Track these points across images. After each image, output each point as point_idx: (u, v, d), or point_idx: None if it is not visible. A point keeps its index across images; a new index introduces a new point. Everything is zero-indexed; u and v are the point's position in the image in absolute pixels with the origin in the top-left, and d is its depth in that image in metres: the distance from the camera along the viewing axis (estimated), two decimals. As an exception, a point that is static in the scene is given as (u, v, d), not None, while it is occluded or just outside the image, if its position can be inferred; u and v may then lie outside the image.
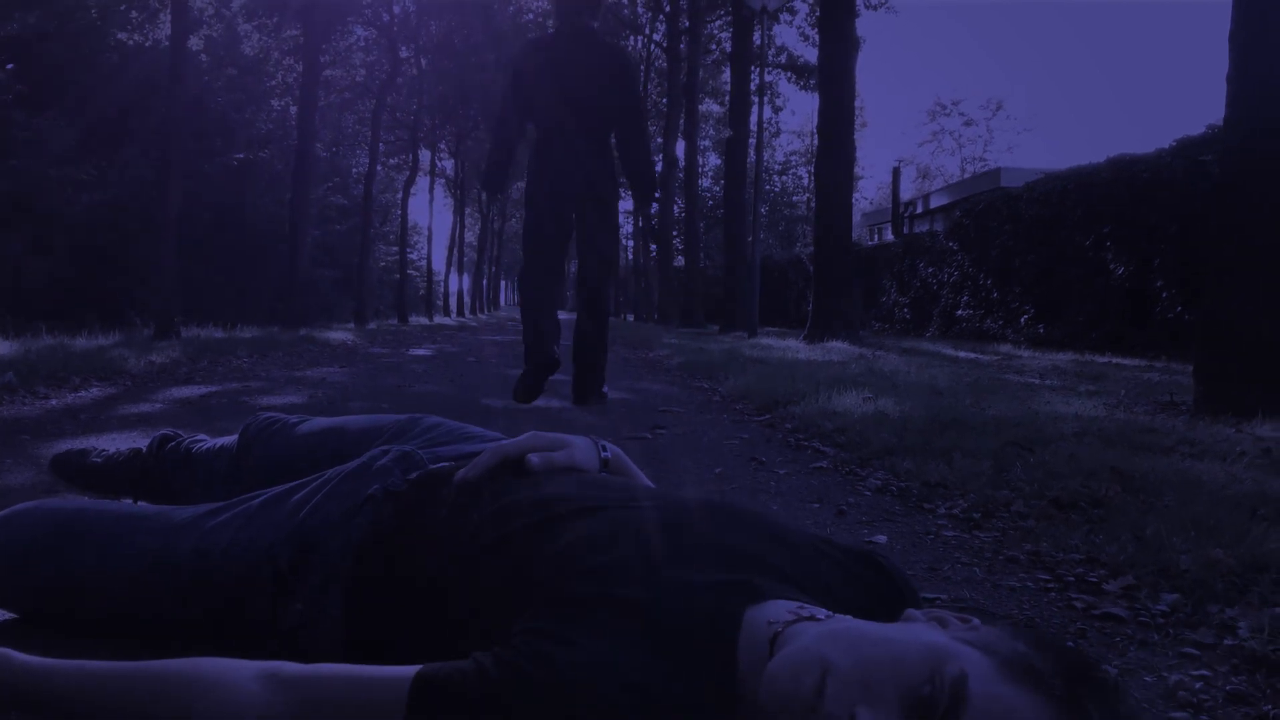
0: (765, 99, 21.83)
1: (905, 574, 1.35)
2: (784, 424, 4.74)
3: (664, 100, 29.25)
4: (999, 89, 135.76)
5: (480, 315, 41.08)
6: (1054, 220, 13.66)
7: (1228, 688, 1.54)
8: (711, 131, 38.50)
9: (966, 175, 31.01)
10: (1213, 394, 4.64)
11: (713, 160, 42.95)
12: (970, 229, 16.48)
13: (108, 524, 1.53)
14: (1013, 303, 14.80)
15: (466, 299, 42.10)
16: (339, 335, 13.18)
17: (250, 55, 22.69)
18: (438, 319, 28.95)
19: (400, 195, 29.60)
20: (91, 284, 15.83)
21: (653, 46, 30.68)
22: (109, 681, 1.16)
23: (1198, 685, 1.55)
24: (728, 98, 23.92)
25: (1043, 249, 13.91)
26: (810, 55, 27.30)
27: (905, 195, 29.44)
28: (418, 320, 24.90)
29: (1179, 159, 11.12)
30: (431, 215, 39.84)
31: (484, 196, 42.58)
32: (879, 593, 1.30)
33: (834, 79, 12.62)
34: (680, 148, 25.33)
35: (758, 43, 20.47)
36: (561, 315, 6.16)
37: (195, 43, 20.11)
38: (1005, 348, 12.51)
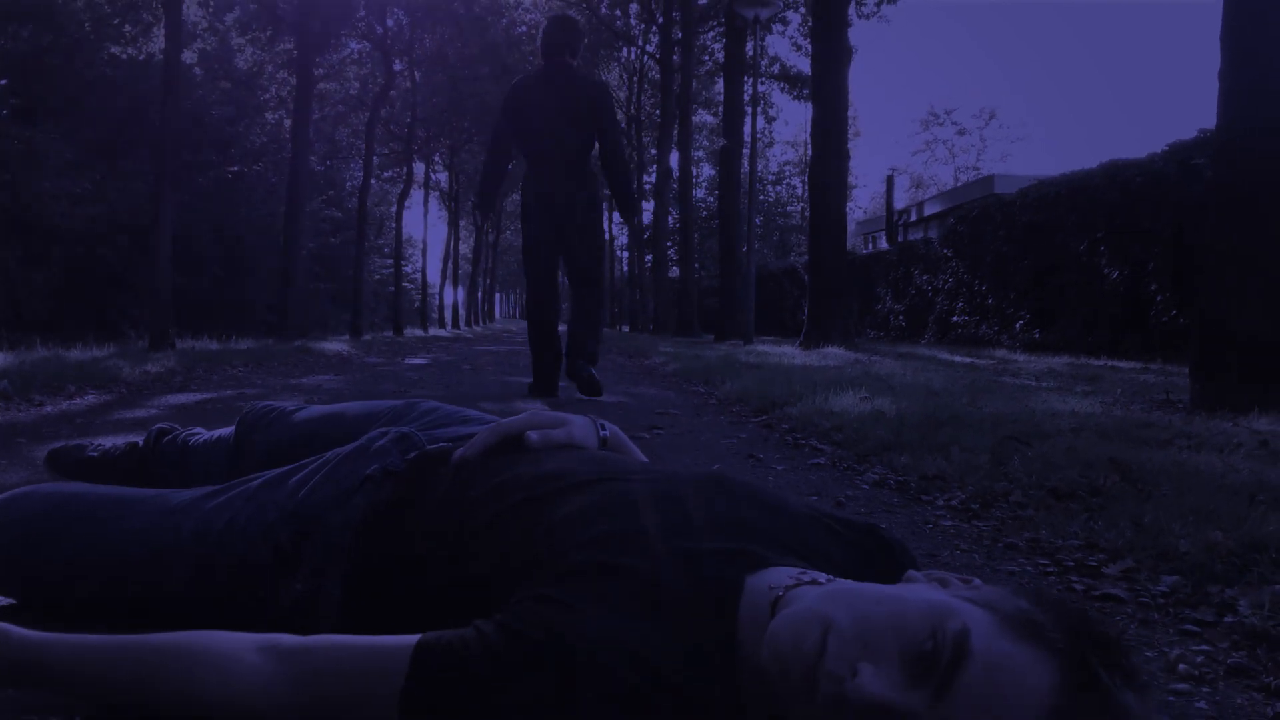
0: (758, 109, 21.88)
1: (904, 543, 1.35)
2: (781, 424, 4.74)
3: (657, 112, 29.31)
4: (991, 98, 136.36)
5: (475, 327, 41.06)
6: (1048, 226, 13.70)
7: (1229, 661, 1.54)
8: (705, 142, 38.60)
9: (960, 184, 31.09)
10: (1209, 391, 4.64)
11: (707, 171, 43.05)
12: (965, 236, 16.52)
13: (105, 506, 1.52)
14: (1008, 308, 14.82)
15: (461, 311, 42.09)
16: (334, 346, 13.17)
17: (244, 69, 22.72)
18: (433, 331, 28.94)
19: (395, 208, 29.64)
20: (86, 297, 15.81)
21: (645, 58, 30.76)
22: (108, 654, 1.15)
23: (1199, 659, 1.55)
24: (721, 108, 24.00)
25: (1037, 255, 13.94)
26: (803, 65, 27.40)
27: (899, 204, 29.51)
28: (413, 332, 24.87)
29: (1172, 163, 11.16)
30: (426, 228, 39.86)
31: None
32: (879, 561, 1.29)
33: (827, 88, 12.67)
34: (674, 159, 25.37)
35: (750, 53, 20.56)
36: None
37: (189, 56, 20.15)
38: (1001, 352, 12.52)
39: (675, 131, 24.50)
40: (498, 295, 75.33)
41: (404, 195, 25.90)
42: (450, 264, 39.05)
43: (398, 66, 22.44)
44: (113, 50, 17.91)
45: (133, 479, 2.19)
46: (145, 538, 1.47)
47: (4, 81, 14.48)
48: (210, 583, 1.44)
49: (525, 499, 1.31)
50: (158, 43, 16.61)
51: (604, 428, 1.57)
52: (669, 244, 27.67)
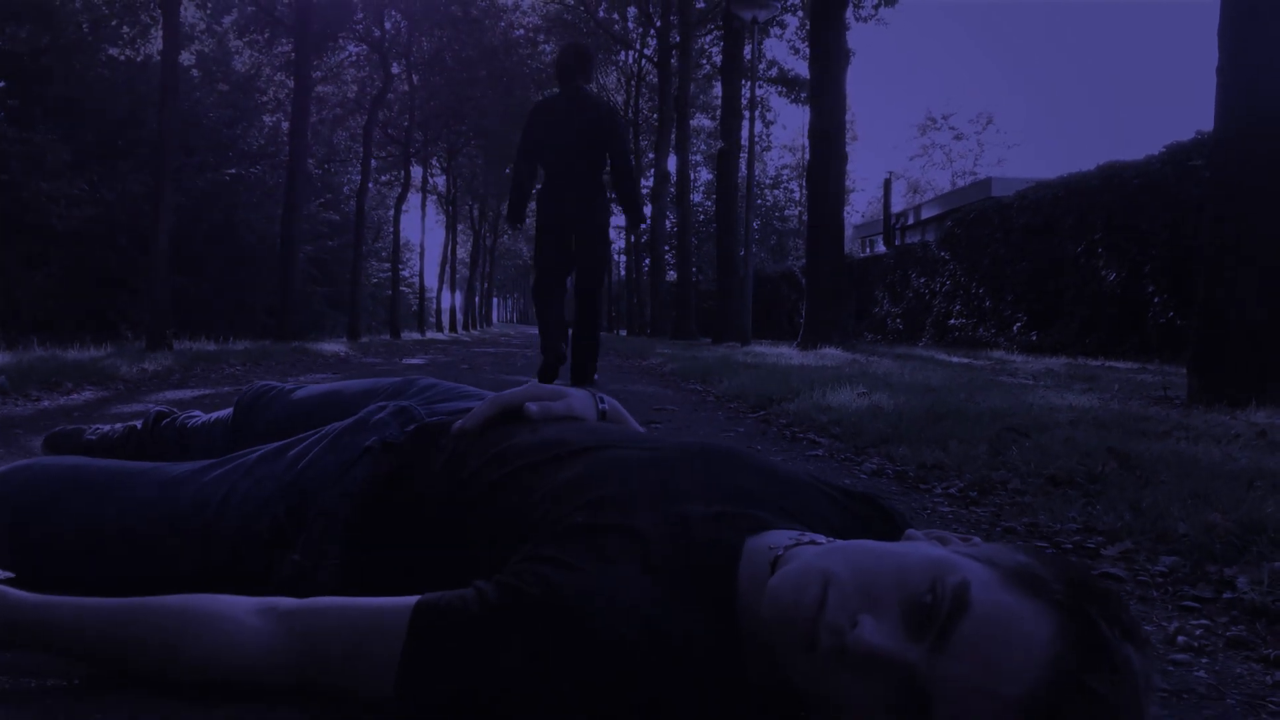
0: (756, 113, 21.92)
1: (903, 511, 1.34)
2: (778, 419, 4.74)
3: (655, 115, 29.33)
4: (989, 101, 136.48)
5: (473, 331, 41.05)
6: (1045, 228, 13.72)
7: (1228, 634, 1.54)
8: (703, 146, 38.63)
9: (957, 188, 31.11)
10: (1207, 385, 4.65)
11: (704, 175, 43.07)
12: (962, 238, 16.54)
13: (104, 478, 1.51)
14: (1005, 311, 14.84)
15: (459, 315, 42.09)
16: (332, 347, 13.16)
17: (242, 71, 22.72)
18: (430, 334, 28.92)
19: (392, 212, 29.64)
20: (84, 298, 15.79)
21: (643, 61, 30.79)
22: (106, 616, 1.15)
23: (1198, 632, 1.55)
24: (718, 112, 24.02)
25: (1034, 257, 13.96)
26: (801, 68, 27.41)
27: (896, 208, 29.51)
28: (410, 335, 24.85)
29: (1169, 165, 11.19)
30: (424, 232, 39.88)
31: (475, 212, 42.71)
32: (877, 528, 1.29)
33: (824, 91, 12.67)
34: (672, 162, 25.37)
35: (748, 56, 20.58)
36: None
37: (187, 58, 20.15)
38: (998, 354, 12.52)
39: (673, 135, 24.51)
40: (495, 300, 75.25)
41: (401, 199, 25.88)
42: (448, 268, 39.05)
43: (395, 69, 22.45)
44: (111, 52, 17.90)
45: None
46: (143, 509, 1.46)
47: (2, 84, 14.48)
48: (208, 554, 1.43)
49: (523, 466, 1.31)
50: (156, 44, 16.61)
51: (603, 400, 1.57)
52: (666, 248, 27.68)
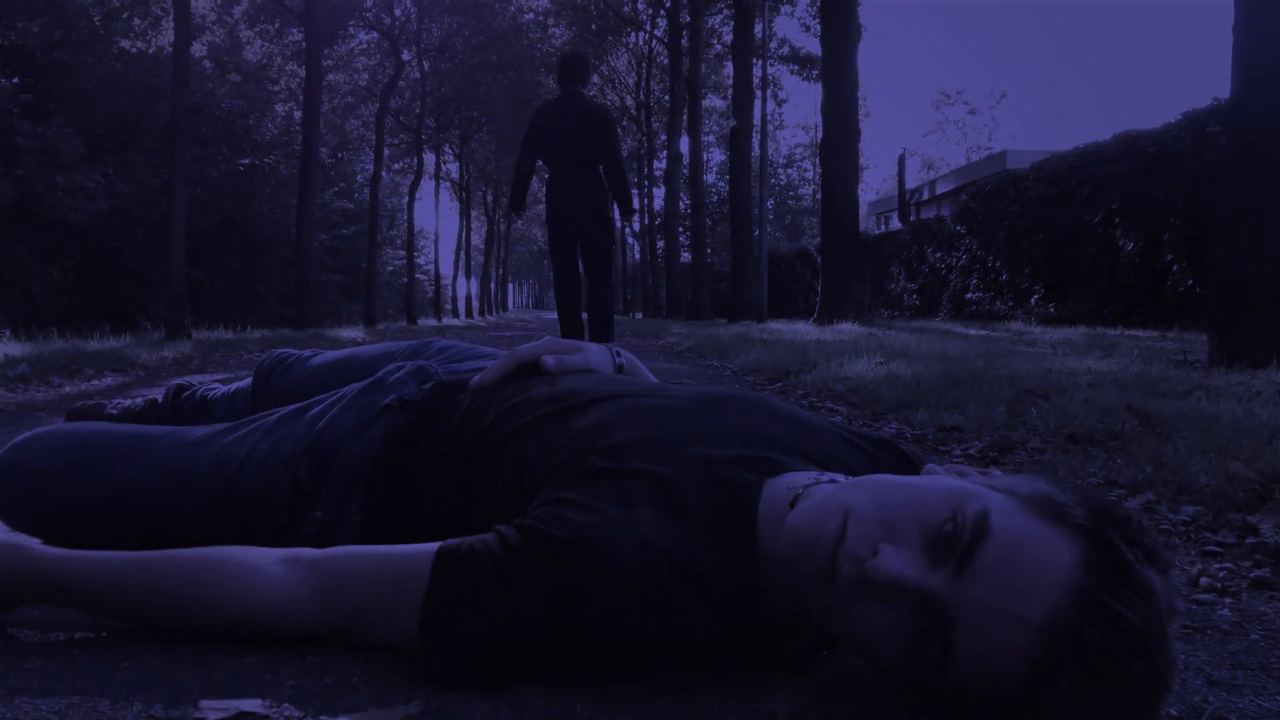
0: (768, 92, 21.79)
1: (924, 456, 1.34)
2: (796, 390, 4.74)
3: (666, 97, 29.22)
4: (1003, 75, 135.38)
5: (489, 316, 41.10)
6: (1061, 199, 13.62)
7: (1251, 575, 1.53)
8: (715, 127, 38.49)
9: (972, 162, 30.91)
10: (1227, 346, 4.61)
11: (717, 156, 42.95)
12: (977, 212, 16.44)
13: (126, 442, 1.52)
14: (1022, 283, 14.75)
15: (474, 301, 42.16)
16: (349, 333, 13.21)
17: (253, 61, 22.74)
18: (446, 320, 28.98)
19: (405, 199, 29.68)
20: (100, 291, 15.87)
21: (654, 43, 30.65)
22: (132, 569, 1.16)
23: (1221, 574, 1.54)
24: (730, 92, 23.90)
25: (1051, 229, 13.86)
26: (812, 46, 27.29)
27: (911, 184, 29.36)
28: (426, 322, 24.91)
29: (1185, 132, 11.07)
30: (438, 219, 40.03)
31: (489, 199, 42.73)
32: (898, 473, 1.29)
33: (837, 67, 12.59)
34: (684, 144, 25.30)
35: (759, 35, 20.47)
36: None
37: (198, 49, 20.19)
38: (1016, 325, 12.46)
39: (684, 116, 24.43)
40: (510, 285, 75.27)
41: (415, 186, 25.91)
42: (463, 254, 39.09)
43: (406, 56, 22.43)
44: (122, 44, 17.94)
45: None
46: (165, 471, 1.47)
47: (15, 80, 14.53)
48: (230, 514, 1.44)
49: (542, 415, 1.31)
50: (167, 36, 16.64)
51: (619, 354, 1.57)
52: (680, 229, 27.62)
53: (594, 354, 1.53)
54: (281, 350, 2.04)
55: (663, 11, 27.55)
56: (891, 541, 0.95)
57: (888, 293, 20.83)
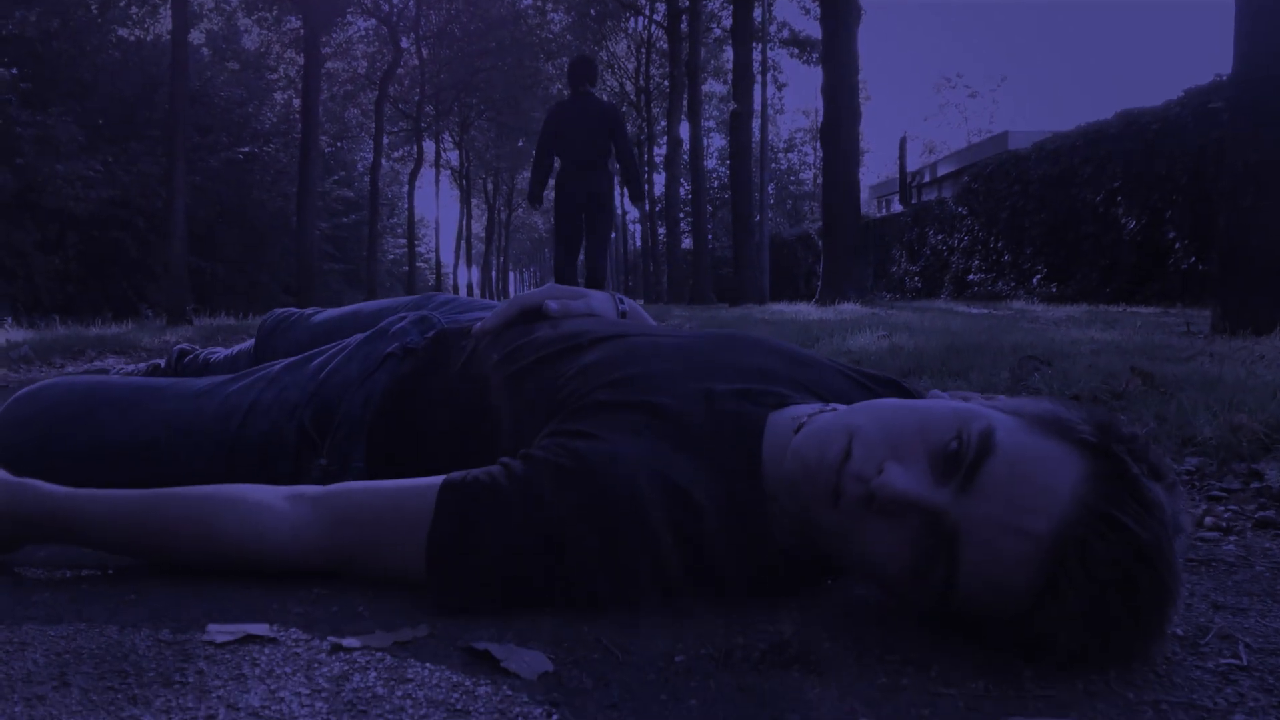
0: (768, 76, 21.73)
1: (926, 394, 1.34)
2: (799, 363, 4.73)
3: (666, 82, 29.13)
4: (1004, 57, 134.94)
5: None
6: (1063, 179, 13.59)
7: (1256, 516, 1.53)
8: (715, 112, 38.38)
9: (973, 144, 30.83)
10: (1230, 314, 4.61)
11: (718, 141, 42.82)
12: (979, 193, 16.41)
13: (130, 392, 1.52)
14: (1024, 264, 14.73)
15: (476, 290, 42.16)
16: (351, 320, 13.20)
17: (251, 49, 22.70)
18: (448, 309, 28.94)
19: (406, 188, 29.67)
20: (102, 279, 15.85)
21: (653, 27, 30.54)
22: (137, 504, 1.16)
23: (1226, 515, 1.54)
24: (730, 76, 23.82)
25: (1053, 208, 13.84)
26: (812, 29, 27.19)
27: (912, 168, 29.29)
28: (429, 310, 24.90)
29: (1188, 109, 11.03)
30: (438, 207, 40.07)
31: (489, 187, 42.70)
32: (901, 406, 1.29)
33: (837, 48, 12.55)
34: (684, 129, 25.23)
35: (759, 18, 20.39)
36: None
37: (196, 36, 20.13)
38: (1018, 304, 12.44)
39: (685, 101, 24.36)
40: (511, 274, 75.19)
41: (415, 174, 25.92)
42: (463, 243, 39.09)
43: (404, 43, 22.40)
44: (120, 33, 17.90)
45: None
46: (169, 420, 1.47)
47: (14, 71, 14.50)
48: (234, 462, 1.44)
49: (545, 355, 1.32)
50: (165, 24, 16.57)
51: (622, 301, 1.57)
52: (681, 215, 27.57)
53: (597, 299, 1.53)
54: (283, 309, 2.04)
55: (662, -4, 27.43)
56: (897, 460, 0.95)
57: (889, 276, 20.80)
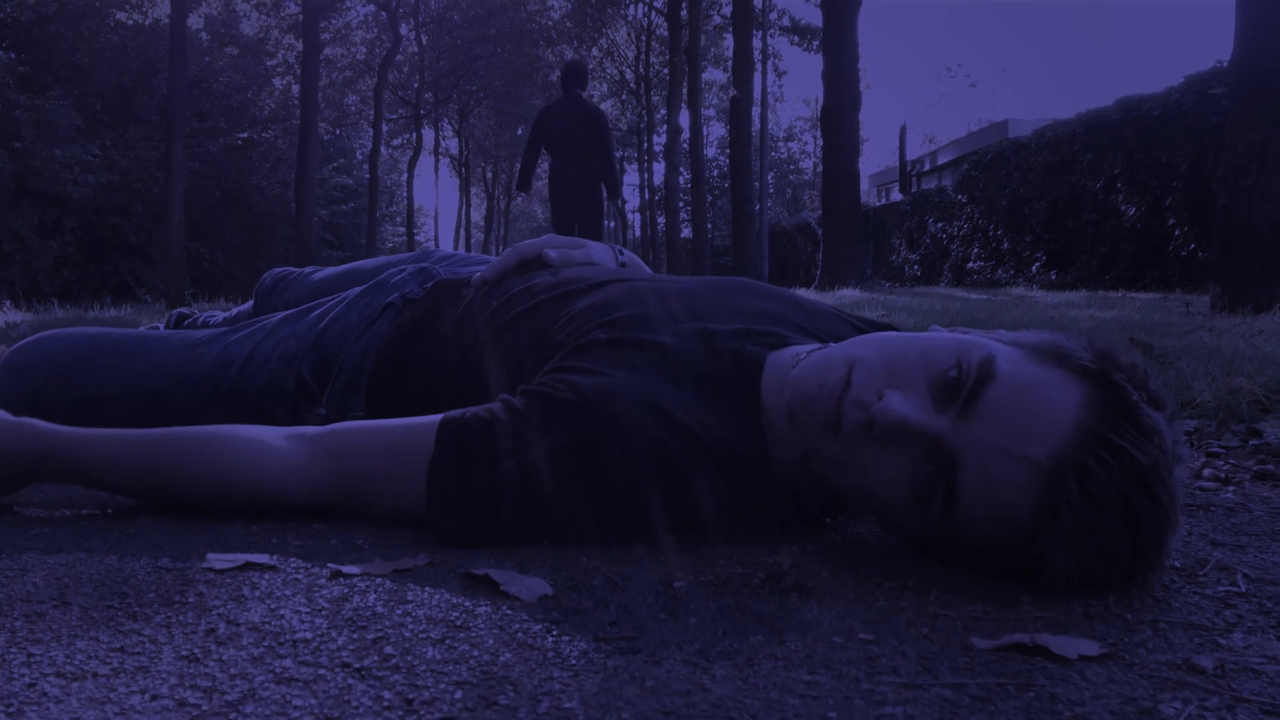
0: (768, 64, 21.70)
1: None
2: (798, 342, 4.74)
3: (665, 70, 29.06)
4: (1005, 45, 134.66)
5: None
6: (1063, 166, 13.57)
7: (1254, 469, 1.53)
8: (715, 100, 38.31)
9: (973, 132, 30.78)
10: (1229, 293, 4.61)
11: (717, 130, 42.76)
12: (979, 181, 16.39)
13: (129, 342, 1.52)
14: (1024, 251, 14.71)
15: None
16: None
17: (250, 35, 22.65)
18: (447, 297, 28.95)
19: (405, 176, 29.62)
20: (100, 264, 15.84)
21: (653, 14, 30.46)
22: (136, 442, 1.16)
23: (1225, 468, 1.54)
24: (730, 63, 23.76)
25: (1053, 196, 13.82)
26: (813, 16, 27.13)
27: (911, 156, 29.24)
28: (428, 297, 24.90)
29: (1188, 95, 11.01)
30: (437, 195, 40.09)
31: (489, 175, 42.63)
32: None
33: (837, 36, 12.51)
34: (684, 117, 25.18)
35: (759, 6, 20.33)
36: None
37: (195, 21, 20.08)
38: (1018, 290, 12.44)
39: (684, 89, 24.29)
40: (511, 264, 74.90)
41: (414, 162, 25.90)
42: (463, 231, 39.05)
43: (404, 30, 22.35)
44: (118, 16, 17.86)
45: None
46: (169, 369, 1.47)
47: (12, 55, 14.46)
48: (233, 411, 1.44)
49: (544, 300, 1.32)
50: (163, 8, 16.54)
51: (622, 253, 1.57)
52: (680, 203, 27.52)
53: (596, 249, 1.53)
54: (282, 268, 2.04)
55: (662, -18, 27.36)
56: (897, 388, 0.95)
57: (889, 264, 20.78)
